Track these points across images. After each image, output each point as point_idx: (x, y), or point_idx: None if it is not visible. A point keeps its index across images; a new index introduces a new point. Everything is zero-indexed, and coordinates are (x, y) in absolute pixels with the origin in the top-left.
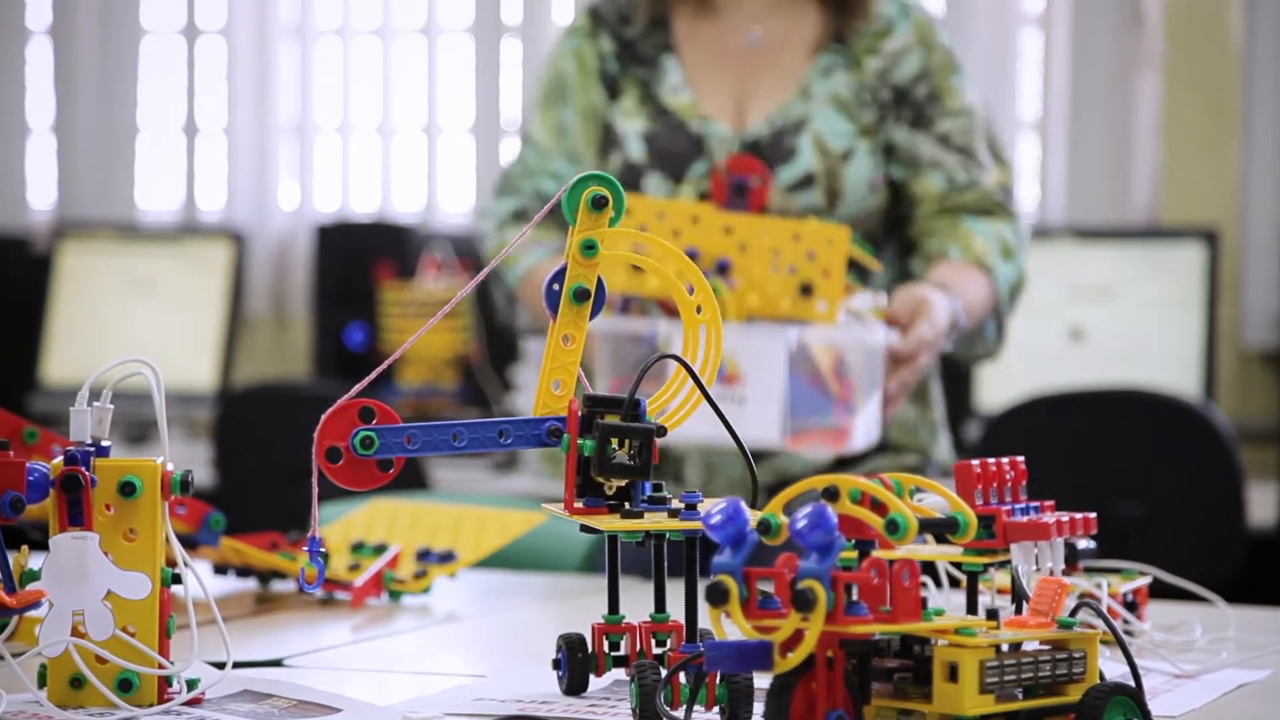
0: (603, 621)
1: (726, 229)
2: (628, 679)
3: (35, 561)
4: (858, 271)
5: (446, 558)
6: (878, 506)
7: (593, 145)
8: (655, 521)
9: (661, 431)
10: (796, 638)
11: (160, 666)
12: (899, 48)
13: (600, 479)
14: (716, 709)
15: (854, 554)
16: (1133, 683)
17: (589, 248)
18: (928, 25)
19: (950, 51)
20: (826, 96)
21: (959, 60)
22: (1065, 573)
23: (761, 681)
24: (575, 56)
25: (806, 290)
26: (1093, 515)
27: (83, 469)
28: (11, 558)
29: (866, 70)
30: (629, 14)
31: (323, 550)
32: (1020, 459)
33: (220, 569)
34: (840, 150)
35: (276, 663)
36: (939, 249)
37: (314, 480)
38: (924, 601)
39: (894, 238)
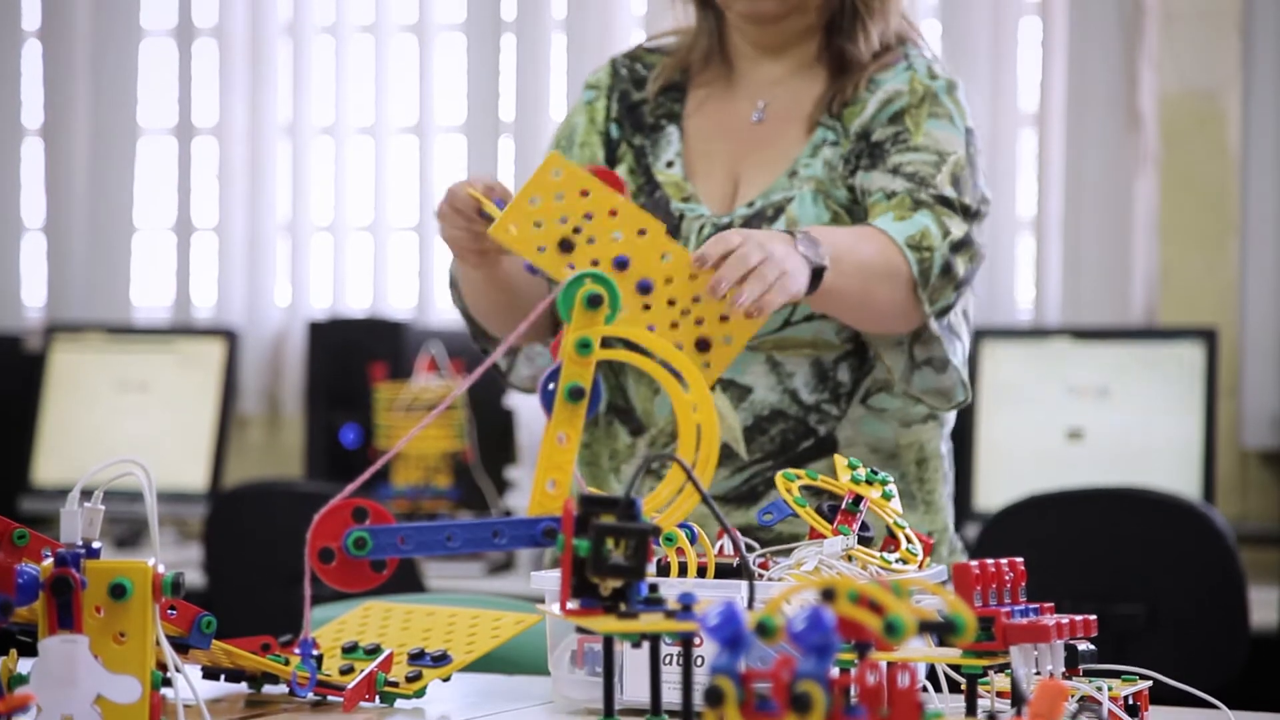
0: None
1: (663, 254)
2: None
3: (24, 665)
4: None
5: (440, 660)
6: (876, 607)
7: None
8: (651, 622)
9: (656, 531)
10: None
11: None
12: (883, 98)
13: (596, 579)
14: None
15: (852, 655)
16: None
17: (584, 346)
18: (925, 85)
19: (939, 99)
20: (809, 176)
21: (949, 108)
22: (1065, 676)
23: None
24: (587, 110)
25: (702, 345)
26: (1093, 617)
27: (73, 571)
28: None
29: (850, 134)
30: (644, 76)
31: (315, 652)
32: (1019, 560)
33: (211, 672)
34: None
35: None
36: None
37: (306, 581)
38: (922, 704)
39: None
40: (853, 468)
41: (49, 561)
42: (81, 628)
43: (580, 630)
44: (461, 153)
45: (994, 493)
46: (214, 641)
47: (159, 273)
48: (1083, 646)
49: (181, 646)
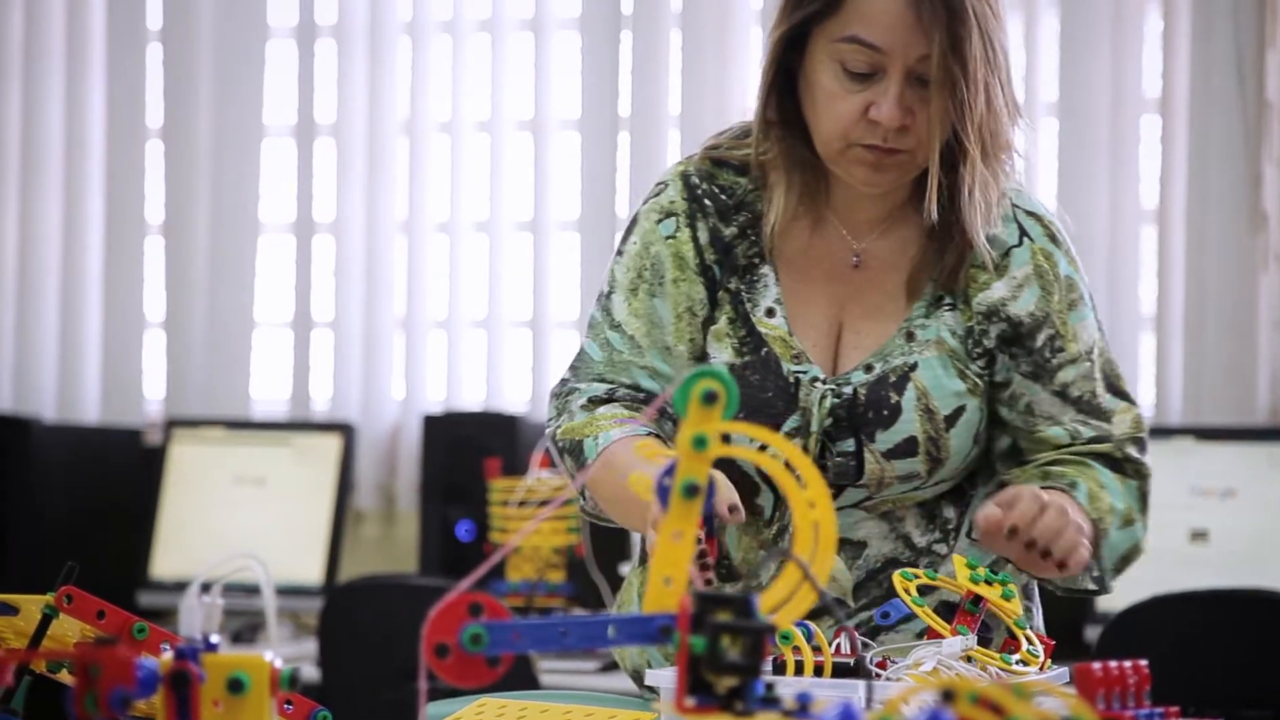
0: None
1: None
2: None
3: None
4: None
5: None
6: (997, 709)
7: (685, 342)
8: None
9: (772, 629)
10: None
11: None
12: (1013, 282)
13: (711, 677)
14: None
15: None
16: None
17: (700, 443)
18: (1048, 255)
19: (1072, 281)
20: (933, 340)
21: (1080, 289)
22: None
23: None
24: (671, 245)
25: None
26: None
27: (192, 665)
28: None
29: (975, 308)
30: (726, 205)
31: None
32: (1143, 662)
33: None
34: (947, 413)
35: None
36: (1066, 478)
37: (421, 677)
38: None
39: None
40: (971, 568)
41: (168, 655)
42: None
43: None
44: (575, 247)
45: (1116, 594)
46: None
47: (277, 367)
48: None
49: None
